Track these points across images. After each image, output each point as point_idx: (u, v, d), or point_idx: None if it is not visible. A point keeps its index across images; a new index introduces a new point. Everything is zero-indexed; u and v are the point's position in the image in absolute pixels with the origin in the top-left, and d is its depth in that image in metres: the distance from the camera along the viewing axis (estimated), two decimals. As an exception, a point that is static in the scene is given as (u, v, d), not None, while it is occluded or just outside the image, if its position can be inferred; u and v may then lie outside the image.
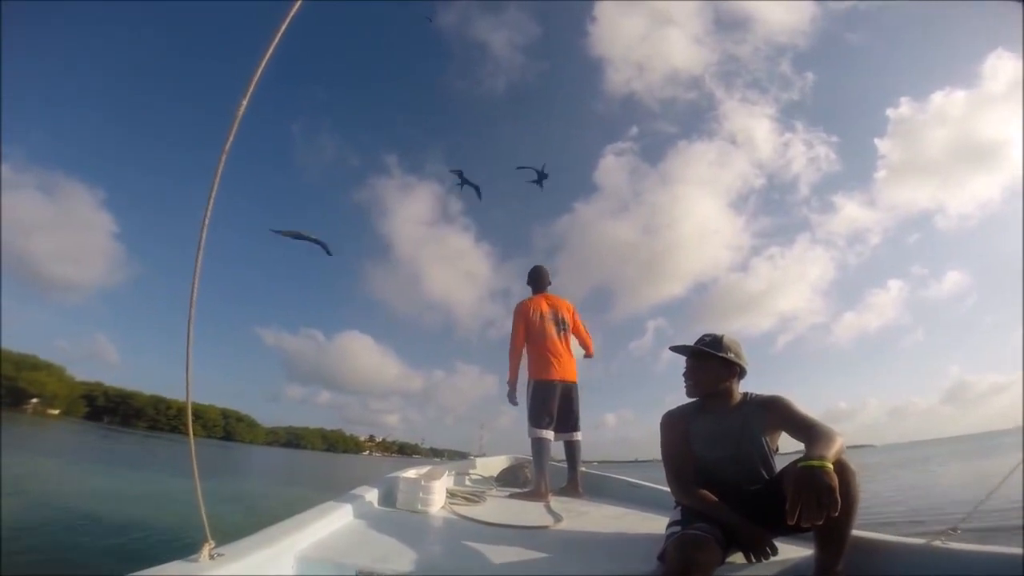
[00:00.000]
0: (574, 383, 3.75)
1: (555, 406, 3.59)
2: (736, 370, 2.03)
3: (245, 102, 1.34)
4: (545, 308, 3.84)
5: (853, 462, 1.56)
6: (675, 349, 2.12)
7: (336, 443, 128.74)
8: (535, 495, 3.21)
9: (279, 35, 1.36)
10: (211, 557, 1.33)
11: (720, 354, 1.99)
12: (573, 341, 3.92)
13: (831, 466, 1.43)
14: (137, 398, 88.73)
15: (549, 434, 3.51)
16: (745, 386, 2.07)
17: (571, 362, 3.77)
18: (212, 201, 1.32)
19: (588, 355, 4.03)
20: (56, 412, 71.40)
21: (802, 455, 1.53)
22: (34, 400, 68.77)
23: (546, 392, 3.60)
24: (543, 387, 3.62)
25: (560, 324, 3.81)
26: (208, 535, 1.33)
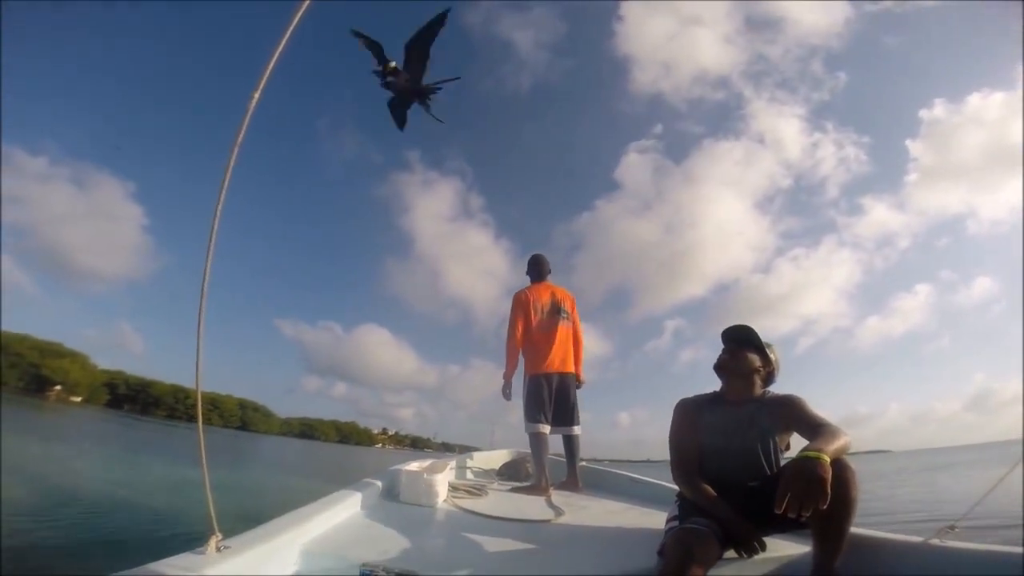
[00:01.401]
0: (571, 374, 3.66)
1: (551, 400, 3.54)
2: (770, 369, 2.06)
3: (257, 95, 1.34)
4: (546, 299, 3.71)
5: (856, 464, 1.56)
6: (730, 329, 2.11)
7: (349, 435, 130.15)
8: (536, 489, 3.22)
9: (291, 28, 1.36)
10: (218, 550, 1.34)
11: (766, 351, 2.05)
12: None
13: (827, 459, 1.44)
14: (157, 387, 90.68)
15: (545, 428, 3.48)
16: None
17: (569, 353, 3.69)
18: (224, 191, 1.34)
19: (575, 352, 3.79)
20: (78, 399, 73.17)
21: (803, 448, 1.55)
22: (57, 387, 70.46)
23: (542, 386, 3.54)
24: (539, 381, 3.56)
25: (562, 313, 3.69)
26: (215, 527, 1.34)
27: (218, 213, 1.34)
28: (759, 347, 2.05)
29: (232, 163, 1.35)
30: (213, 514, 1.34)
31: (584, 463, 3.65)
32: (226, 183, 1.34)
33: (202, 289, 1.32)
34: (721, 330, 2.12)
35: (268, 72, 1.36)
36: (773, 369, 2.07)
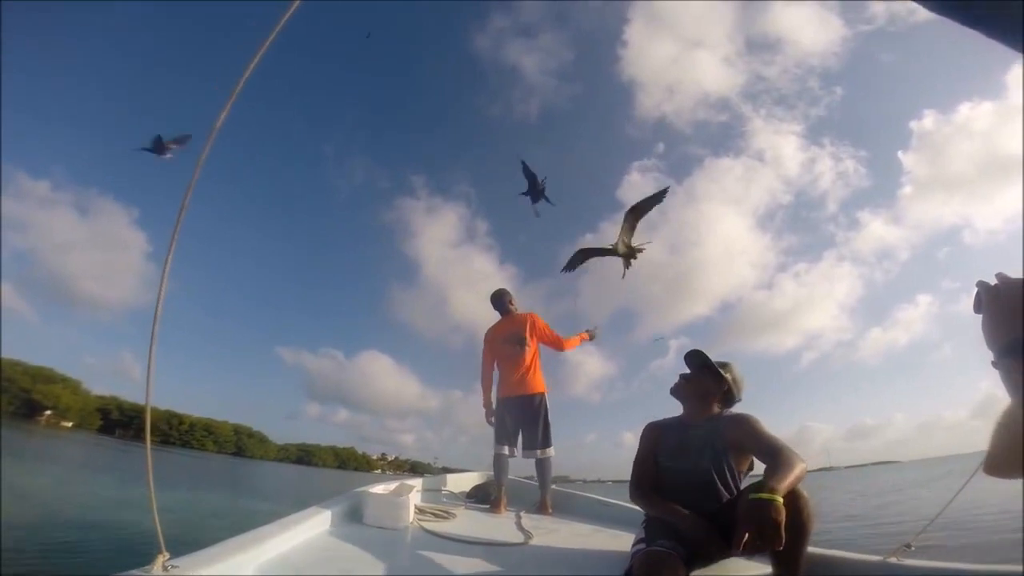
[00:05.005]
0: (534, 395, 3.79)
1: (512, 422, 3.75)
2: (724, 390, 2.11)
3: (224, 115, 1.35)
4: (500, 331, 4.00)
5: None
6: (686, 354, 2.20)
7: (347, 460, 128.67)
8: (493, 508, 3.39)
9: (267, 43, 1.39)
10: (164, 569, 1.29)
11: (721, 372, 2.10)
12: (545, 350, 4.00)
13: (780, 500, 1.46)
14: (151, 412, 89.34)
15: (504, 450, 3.69)
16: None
17: (531, 376, 3.83)
18: (186, 203, 1.33)
19: (559, 350, 4.01)
20: (69, 424, 72.32)
21: (758, 481, 1.58)
22: (48, 412, 69.73)
23: (501, 409, 3.81)
24: (500, 405, 3.84)
25: (518, 342, 3.89)
26: (162, 546, 1.30)
27: (177, 228, 1.34)
28: (711, 368, 2.12)
29: (196, 177, 1.35)
30: (160, 531, 1.30)
31: (555, 486, 3.70)
32: (187, 198, 1.35)
33: (156, 310, 1.33)
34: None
35: (238, 88, 1.37)
36: (730, 388, 2.12)
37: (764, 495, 1.47)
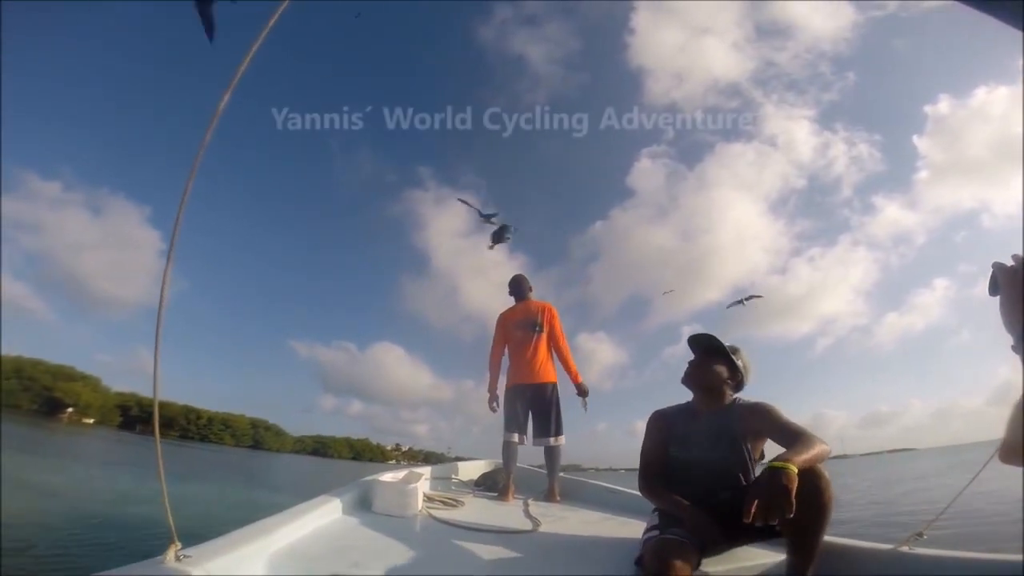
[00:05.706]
0: (547, 384, 3.76)
1: (523, 410, 3.72)
2: (738, 378, 2.05)
3: (227, 96, 1.35)
4: (518, 315, 3.92)
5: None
6: (694, 337, 2.12)
7: (362, 452, 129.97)
8: (501, 495, 3.40)
9: (261, 38, 1.36)
10: (177, 559, 1.31)
11: (733, 358, 2.04)
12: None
13: (794, 469, 1.43)
14: (169, 408, 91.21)
15: (514, 437, 3.67)
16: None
17: (544, 364, 3.80)
18: (188, 191, 1.33)
19: (558, 352, 3.86)
20: (91, 421, 73.94)
21: (774, 456, 1.55)
22: (69, 409, 71.31)
23: (513, 397, 3.75)
24: (511, 392, 3.78)
25: (533, 328, 3.83)
26: (175, 536, 1.31)
27: (179, 219, 1.34)
28: (725, 355, 2.05)
29: (197, 164, 1.34)
30: (171, 522, 1.31)
31: (564, 474, 3.69)
32: (189, 186, 1.34)
33: (161, 299, 1.33)
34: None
35: (240, 74, 1.36)
36: (742, 377, 2.06)
37: (777, 464, 1.45)
